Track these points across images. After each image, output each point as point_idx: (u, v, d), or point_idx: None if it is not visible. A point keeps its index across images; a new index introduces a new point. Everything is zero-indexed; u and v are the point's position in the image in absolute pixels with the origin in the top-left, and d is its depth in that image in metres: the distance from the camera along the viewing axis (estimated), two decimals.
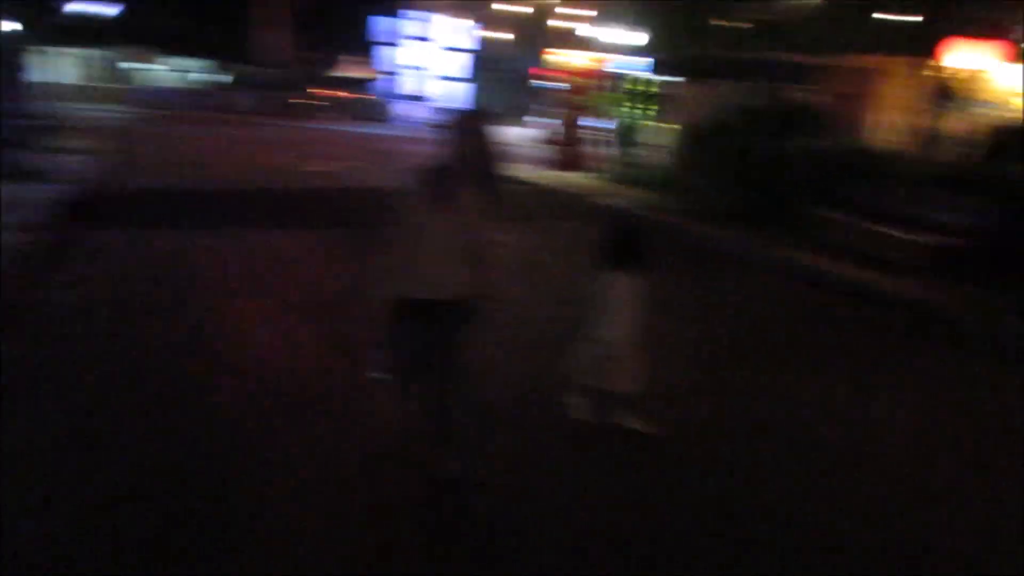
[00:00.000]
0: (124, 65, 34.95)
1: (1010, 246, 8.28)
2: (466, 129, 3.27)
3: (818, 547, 3.38)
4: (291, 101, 34.10)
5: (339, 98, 35.58)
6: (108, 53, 33.49)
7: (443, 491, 3.57)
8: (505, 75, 34.75)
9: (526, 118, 22.73)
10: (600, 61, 15.76)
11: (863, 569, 3.25)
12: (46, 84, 25.35)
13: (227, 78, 36.23)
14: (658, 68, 14.81)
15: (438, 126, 3.29)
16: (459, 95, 33.31)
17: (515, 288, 3.58)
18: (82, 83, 31.95)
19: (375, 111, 33.82)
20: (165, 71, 36.70)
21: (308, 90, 36.38)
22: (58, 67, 30.64)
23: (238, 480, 3.65)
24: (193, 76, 36.97)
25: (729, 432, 4.50)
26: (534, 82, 22.14)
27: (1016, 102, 15.41)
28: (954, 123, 13.75)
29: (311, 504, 3.47)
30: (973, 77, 13.27)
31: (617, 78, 16.18)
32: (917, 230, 8.81)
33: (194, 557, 3.06)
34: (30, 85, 13.18)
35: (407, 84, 35.33)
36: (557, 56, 15.71)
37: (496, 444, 4.12)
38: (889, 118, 15.25)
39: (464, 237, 3.33)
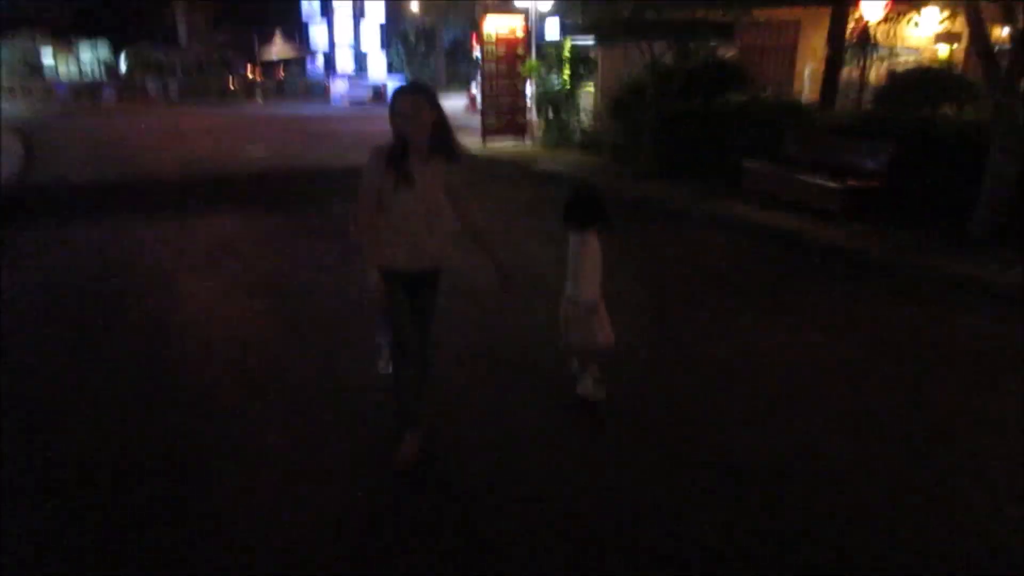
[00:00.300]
0: (43, 58, 33.78)
1: (913, 186, 8.79)
2: (410, 104, 3.24)
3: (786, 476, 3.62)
4: (223, 84, 33.42)
5: (274, 79, 34.97)
6: (22, 44, 32.15)
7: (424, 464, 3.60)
8: (439, 47, 34.70)
9: (471, 89, 22.75)
10: (525, 27, 15.85)
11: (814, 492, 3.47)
12: None
13: (151, 63, 35.09)
14: (577, 31, 15.00)
15: (388, 104, 3.29)
16: (391, 68, 33.13)
17: (476, 256, 3.73)
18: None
19: (310, 90, 33.39)
20: (83, 60, 35.48)
21: (243, 72, 35.69)
22: None
23: (214, 462, 3.71)
24: (112, 63, 35.77)
25: (687, 376, 4.78)
26: (475, 52, 22.14)
27: (929, 47, 16.07)
28: (871, 71, 14.28)
29: (292, 485, 3.51)
30: (888, 25, 13.76)
31: (543, 43, 16.34)
32: (835, 176, 9.25)
33: (168, 542, 3.11)
34: None
35: (340, 61, 34.96)
36: (489, 24, 15.74)
37: (480, 406, 4.28)
38: (808, 69, 15.76)
39: (435, 209, 3.40)
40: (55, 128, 20.43)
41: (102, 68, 35.49)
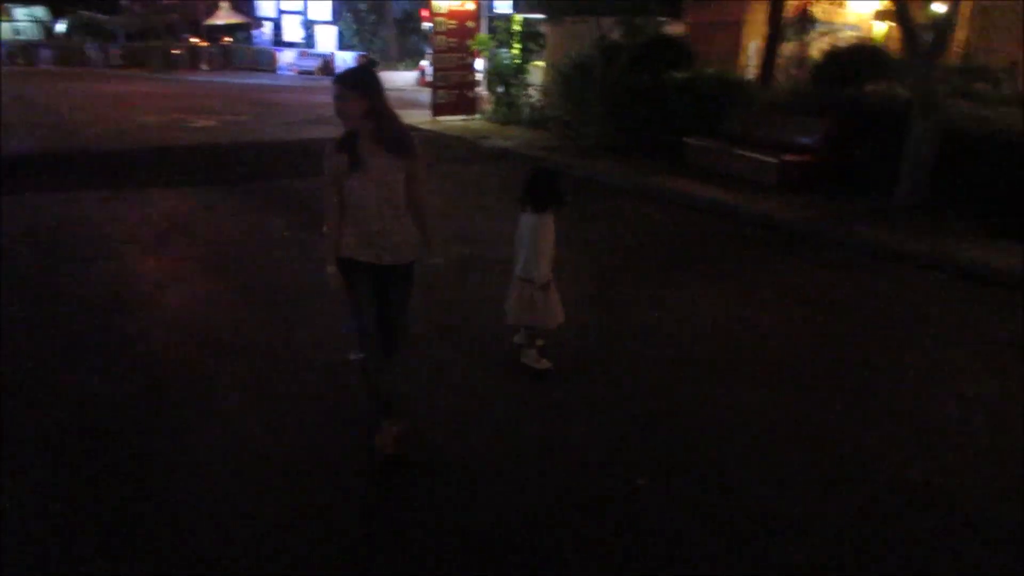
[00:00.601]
0: None
1: (845, 159, 9.25)
2: (339, 94, 3.24)
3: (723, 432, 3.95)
4: (166, 51, 32.52)
5: (219, 47, 34.14)
6: None
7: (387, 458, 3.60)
8: (387, 19, 34.27)
9: (422, 63, 22.64)
10: (475, 1, 15.89)
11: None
12: None
13: (91, 27, 33.90)
14: (522, 6, 15.11)
15: (335, 93, 3.25)
16: (341, 40, 32.68)
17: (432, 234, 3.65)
18: None
19: (257, 60, 32.71)
20: (14, 23, 34.07)
21: (185, 39, 34.76)
22: None
23: (170, 424, 3.89)
24: (47, 27, 34.46)
25: (628, 343, 5.04)
26: (425, 25, 22.03)
27: (868, 24, 16.59)
28: (811, 47, 14.71)
29: (248, 453, 3.63)
30: (825, 3, 14.18)
31: (490, 18, 16.40)
32: (771, 151, 9.65)
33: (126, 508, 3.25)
34: None
35: (287, 31, 34.31)
36: None
37: (436, 390, 4.33)
38: (752, 45, 16.14)
39: (390, 199, 3.35)
40: (5, 93, 19.74)
41: (39, 30, 34.17)
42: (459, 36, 15.67)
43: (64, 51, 31.27)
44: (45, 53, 30.78)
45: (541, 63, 15.55)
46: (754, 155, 9.74)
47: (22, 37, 32.96)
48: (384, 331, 3.52)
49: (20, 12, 34.02)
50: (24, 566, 2.89)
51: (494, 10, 16.38)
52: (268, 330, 5.12)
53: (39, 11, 34.33)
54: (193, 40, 34.36)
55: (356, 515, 3.24)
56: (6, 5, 33.48)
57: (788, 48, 14.01)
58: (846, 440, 3.88)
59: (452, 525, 3.15)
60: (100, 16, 33.90)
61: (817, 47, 14.66)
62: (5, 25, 33.41)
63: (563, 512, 3.25)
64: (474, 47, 15.72)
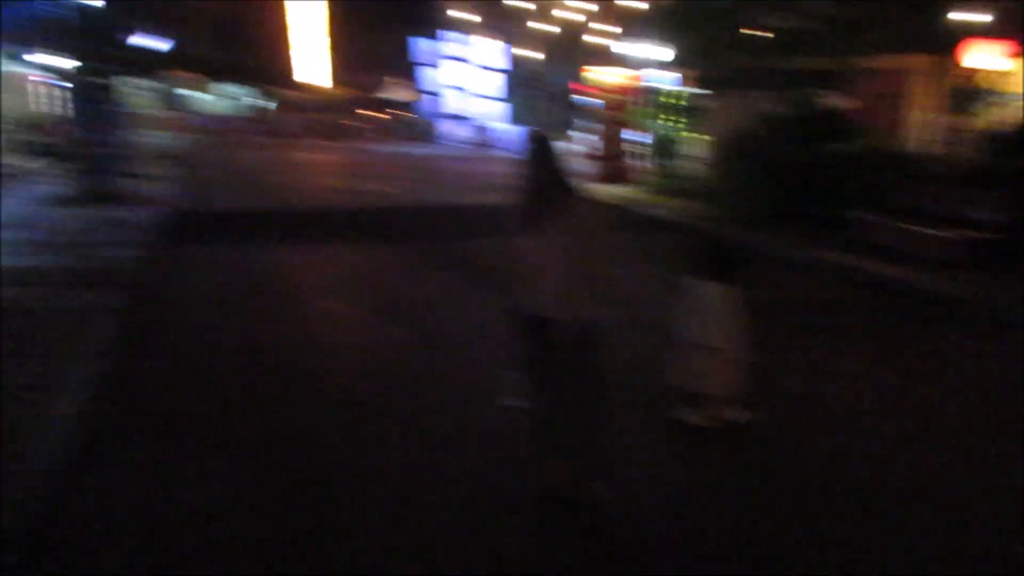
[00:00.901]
0: (180, 93, 36.72)
1: None
2: (540, 154, 3.47)
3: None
4: (341, 123, 35.49)
5: (386, 119, 36.87)
6: (162, 82, 35.03)
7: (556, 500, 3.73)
8: (543, 92, 35.69)
9: (571, 133, 23.44)
10: (634, 77, 16.50)
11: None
12: (116, 113, 26.55)
13: (272, 103, 37.74)
14: (687, 81, 15.50)
15: (515, 156, 3.52)
16: (499, 113, 34.31)
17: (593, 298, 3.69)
18: (145, 111, 33.60)
19: (420, 131, 34.98)
20: (218, 98, 38.35)
21: (356, 112, 37.79)
22: (123, 97, 31.90)
23: (345, 460, 4.20)
24: (244, 102, 38.58)
25: (806, 415, 5.04)
26: (575, 98, 22.89)
27: None
28: (981, 119, 14.09)
29: (419, 499, 3.81)
30: (998, 73, 13.62)
31: (651, 92, 16.89)
32: (946, 226, 9.30)
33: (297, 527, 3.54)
34: (115, 115, 14.25)
35: (449, 104, 36.47)
36: (594, 72, 16.51)
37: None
38: (917, 117, 15.67)
39: (560, 261, 3.48)
40: (199, 159, 22.27)
41: (239, 105, 38.39)
42: (621, 109, 16.28)
43: (259, 123, 34.92)
44: (245, 126, 34.48)
45: (701, 135, 15.81)
46: (924, 230, 9.44)
47: (226, 111, 37.07)
48: (551, 382, 3.70)
49: (225, 89, 38.39)
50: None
51: (650, 83, 16.90)
52: (436, 370, 5.58)
53: (240, 88, 38.60)
54: (368, 113, 37.31)
55: (516, 546, 3.43)
56: (213, 83, 37.88)
57: (958, 120, 13.52)
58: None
59: (607, 564, 3.34)
60: (291, 92, 37.70)
61: (991, 118, 14.04)
62: (210, 99, 37.77)
63: (712, 564, 3.38)
64: (635, 120, 16.25)
